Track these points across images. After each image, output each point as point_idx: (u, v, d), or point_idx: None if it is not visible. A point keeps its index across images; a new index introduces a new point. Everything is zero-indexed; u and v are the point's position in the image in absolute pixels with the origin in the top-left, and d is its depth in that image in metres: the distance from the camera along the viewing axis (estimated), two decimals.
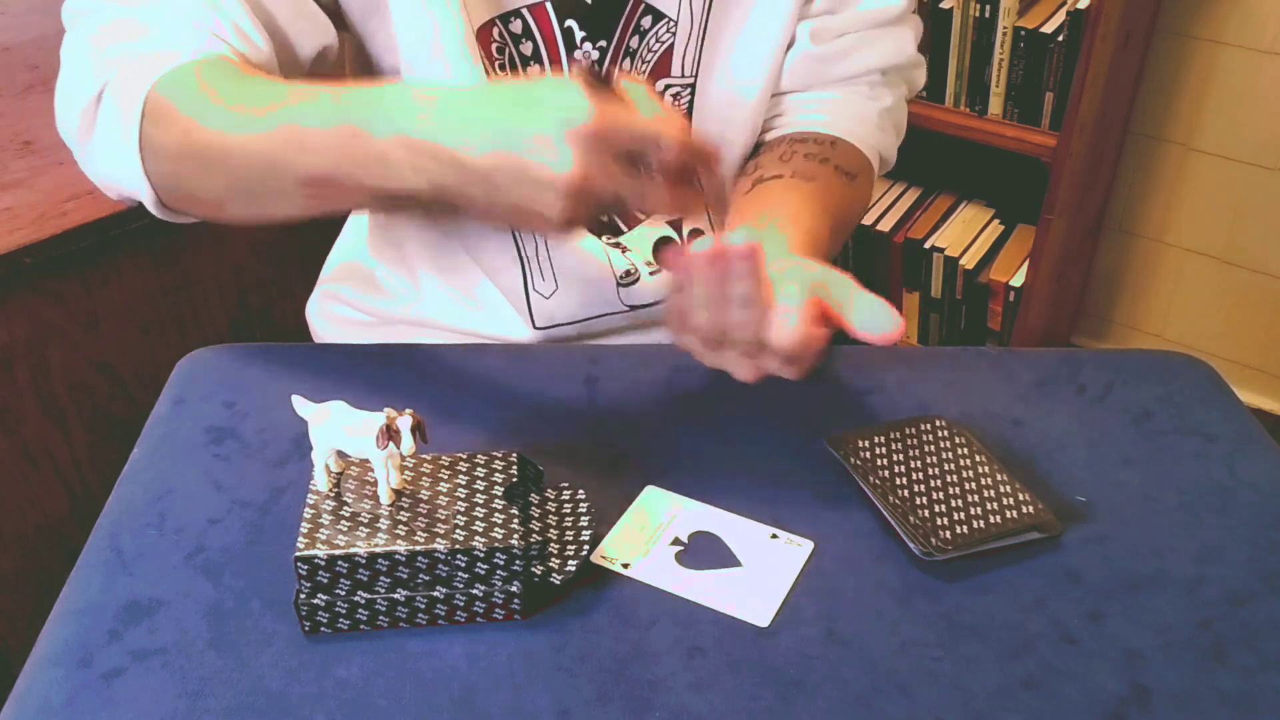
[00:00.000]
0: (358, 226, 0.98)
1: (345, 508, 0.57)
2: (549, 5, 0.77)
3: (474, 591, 0.56)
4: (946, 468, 0.65)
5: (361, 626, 0.57)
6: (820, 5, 0.84)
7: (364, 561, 0.55)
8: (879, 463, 0.66)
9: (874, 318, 0.61)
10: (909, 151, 0.96)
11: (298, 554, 0.55)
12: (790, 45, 0.84)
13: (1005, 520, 0.62)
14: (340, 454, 0.59)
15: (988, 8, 1.63)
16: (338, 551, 0.55)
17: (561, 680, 0.54)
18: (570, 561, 0.58)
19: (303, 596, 0.55)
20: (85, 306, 1.17)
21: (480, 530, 0.56)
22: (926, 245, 1.86)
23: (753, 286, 0.58)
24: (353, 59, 0.82)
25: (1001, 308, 1.83)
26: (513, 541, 0.56)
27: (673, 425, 0.70)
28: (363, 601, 0.56)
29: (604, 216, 0.86)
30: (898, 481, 0.64)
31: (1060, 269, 1.82)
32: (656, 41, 0.80)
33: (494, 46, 0.77)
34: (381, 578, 0.55)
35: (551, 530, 0.60)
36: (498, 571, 0.56)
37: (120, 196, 0.72)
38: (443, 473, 0.59)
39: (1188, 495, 0.66)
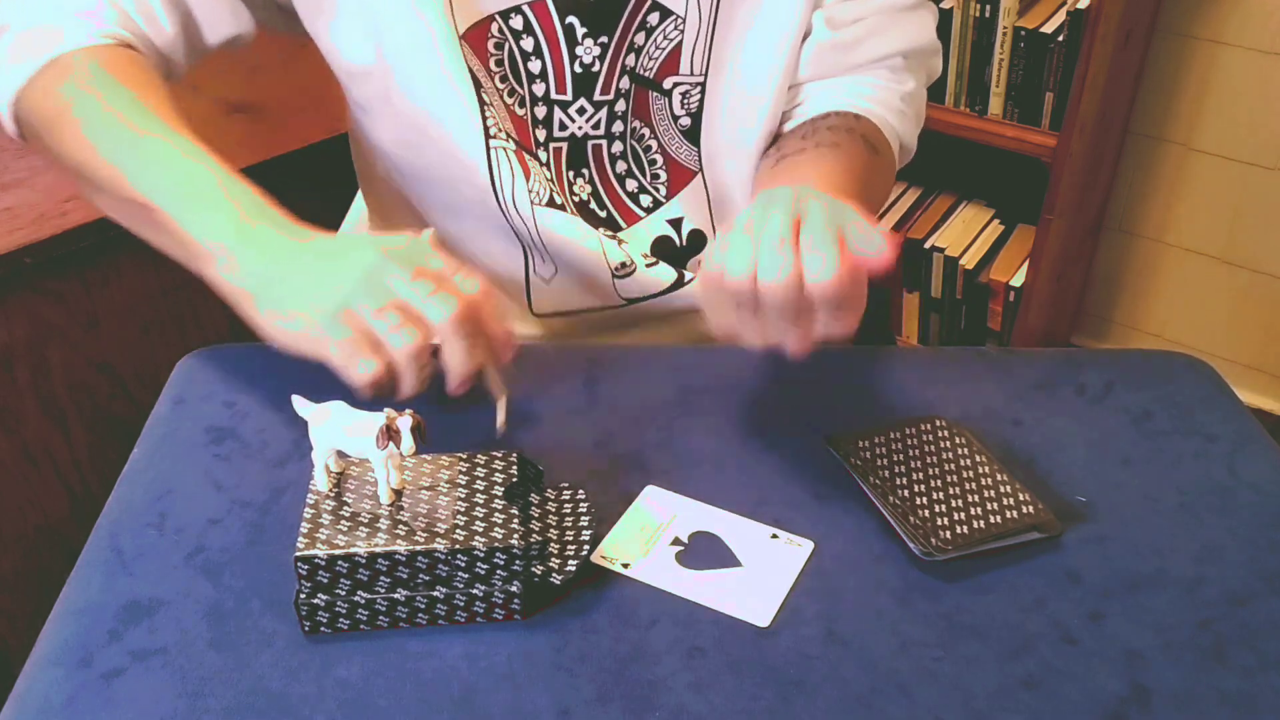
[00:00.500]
0: (355, 227, 0.98)
1: (345, 508, 0.57)
2: (550, 1, 0.76)
3: (474, 591, 0.56)
4: (946, 468, 0.65)
5: (361, 626, 0.57)
6: None
7: (364, 561, 0.55)
8: (879, 463, 0.66)
9: (863, 241, 0.59)
10: None
11: (298, 554, 0.55)
12: (806, 35, 0.83)
13: (1005, 520, 0.62)
14: (340, 454, 0.59)
15: (988, 8, 1.63)
16: (338, 551, 0.55)
17: (561, 680, 0.54)
18: (570, 561, 0.58)
19: (303, 596, 0.55)
20: (85, 306, 1.17)
21: (480, 530, 0.56)
22: (926, 245, 1.86)
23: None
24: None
25: (1001, 308, 1.83)
26: (513, 541, 0.56)
27: (673, 425, 0.70)
28: (363, 601, 0.56)
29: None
30: (898, 481, 0.64)
31: (1060, 269, 1.82)
32: (664, 39, 0.80)
33: (492, 43, 0.77)
34: (381, 578, 0.55)
35: (551, 530, 0.60)
36: (498, 571, 0.56)
37: None
38: (443, 473, 0.59)
39: (1188, 495, 0.66)
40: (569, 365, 0.75)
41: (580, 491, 0.62)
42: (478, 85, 0.77)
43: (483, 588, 0.56)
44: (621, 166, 0.85)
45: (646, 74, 0.81)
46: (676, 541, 0.62)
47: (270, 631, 0.56)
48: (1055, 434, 0.71)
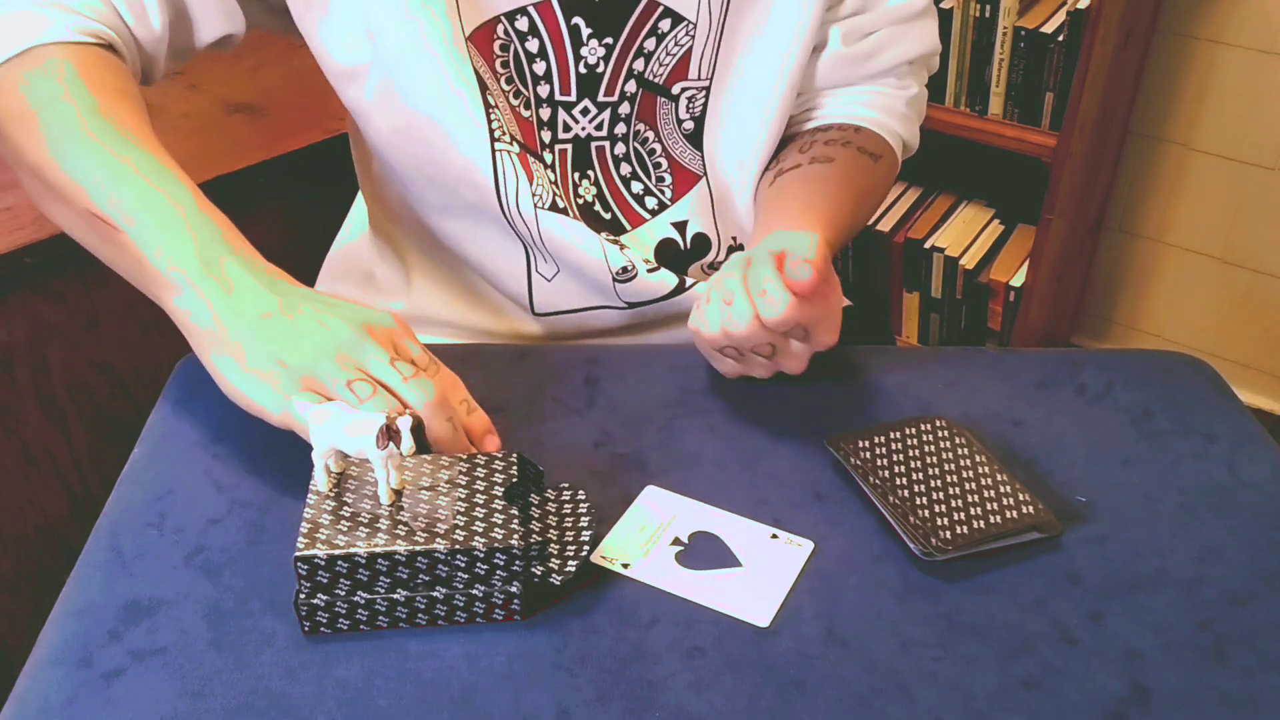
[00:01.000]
0: (355, 227, 0.98)
1: (345, 508, 0.57)
2: (555, 2, 0.76)
3: (474, 592, 0.56)
4: (946, 468, 0.65)
5: (361, 626, 0.57)
6: (849, 6, 0.85)
7: (364, 562, 0.55)
8: (879, 463, 0.66)
9: (792, 272, 0.66)
10: None
11: (298, 554, 0.55)
12: (820, 47, 0.86)
13: (1005, 520, 0.62)
14: (340, 454, 0.59)
15: (988, 8, 1.63)
16: (338, 552, 0.55)
17: (561, 680, 0.54)
18: (570, 562, 0.58)
19: (303, 596, 0.55)
20: (85, 306, 1.17)
21: (480, 531, 0.56)
22: (926, 245, 1.86)
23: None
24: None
25: (1001, 308, 1.83)
26: (513, 542, 0.56)
27: (673, 425, 0.70)
28: (362, 601, 0.56)
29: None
30: (898, 481, 0.64)
31: (1060, 269, 1.82)
32: (675, 45, 0.80)
33: (497, 44, 0.77)
34: (382, 578, 0.55)
35: (552, 530, 0.60)
36: (498, 572, 0.56)
37: None
38: (443, 473, 0.59)
39: (1188, 495, 0.66)
40: (569, 365, 0.75)
41: (580, 492, 0.62)
42: (483, 88, 0.77)
43: (483, 588, 0.56)
44: (626, 168, 0.85)
45: (657, 79, 0.82)
46: (676, 541, 0.62)
47: (270, 631, 0.56)
48: (1055, 434, 0.71)
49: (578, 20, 0.77)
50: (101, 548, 0.61)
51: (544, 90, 0.79)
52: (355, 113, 0.81)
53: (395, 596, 0.56)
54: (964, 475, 0.65)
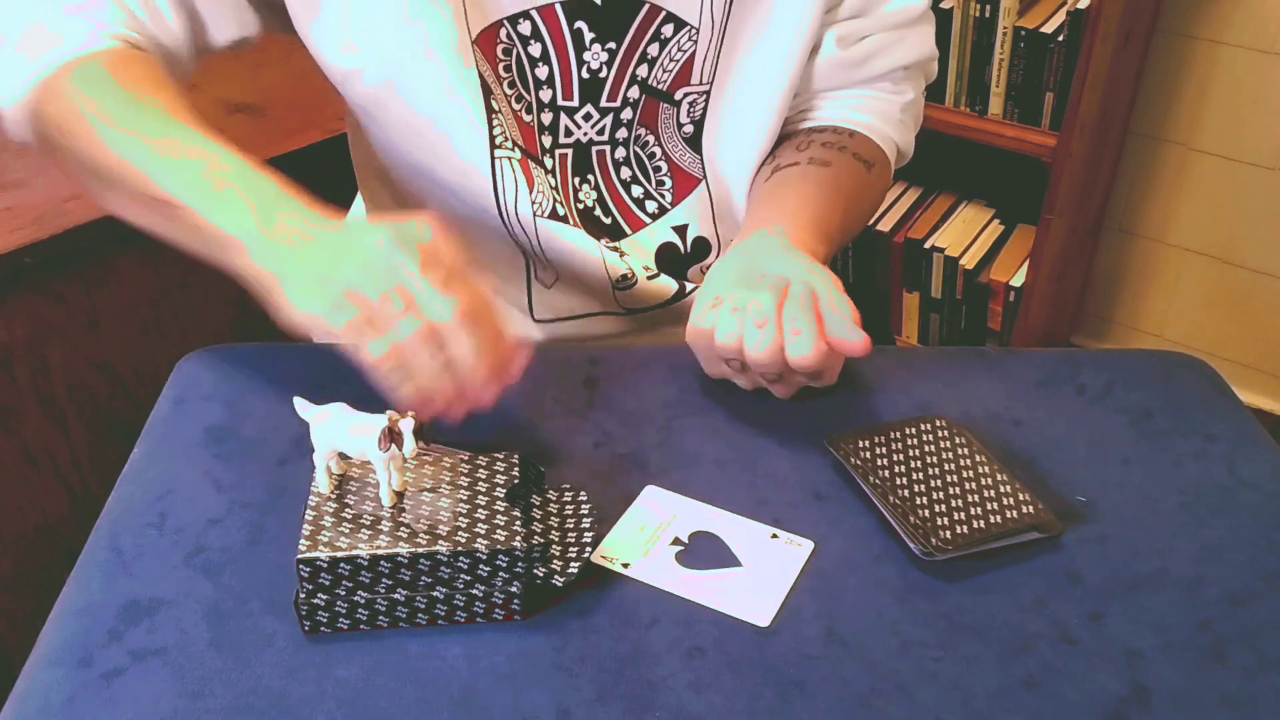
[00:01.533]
0: None
1: (347, 510, 0.57)
2: (558, 7, 0.76)
3: (474, 592, 0.56)
4: (946, 468, 0.65)
5: (361, 626, 0.57)
6: (847, 9, 0.85)
7: (366, 564, 0.55)
8: (879, 463, 0.66)
9: (842, 332, 0.67)
10: None
11: (300, 556, 0.55)
12: (816, 50, 0.85)
13: (1005, 520, 0.62)
14: (341, 456, 0.59)
15: (988, 8, 1.63)
16: (340, 554, 0.55)
17: (561, 680, 0.54)
18: (572, 563, 0.58)
19: (303, 596, 0.55)
20: (85, 306, 1.17)
21: (482, 533, 0.56)
22: (926, 245, 1.86)
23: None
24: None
25: (1001, 308, 1.83)
26: (515, 544, 0.56)
27: (673, 425, 0.70)
28: (363, 601, 0.56)
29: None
30: (898, 481, 0.64)
31: (1060, 269, 1.82)
32: (679, 50, 0.80)
33: (500, 48, 0.77)
34: (383, 580, 0.55)
35: (553, 532, 0.60)
36: (499, 573, 0.56)
37: None
38: (444, 475, 0.59)
39: (1188, 495, 0.66)
40: (569, 365, 0.75)
41: (582, 493, 0.62)
42: (487, 92, 0.76)
43: (483, 588, 0.56)
44: (626, 173, 0.85)
45: (660, 85, 0.81)
46: (676, 541, 0.62)
47: (270, 631, 0.56)
48: (1055, 434, 0.71)
49: (580, 24, 0.77)
50: (101, 548, 0.61)
51: (546, 95, 0.79)
52: (359, 113, 0.81)
53: (396, 597, 0.56)
54: (964, 475, 0.65)
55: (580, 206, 0.84)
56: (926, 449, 0.67)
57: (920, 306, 1.93)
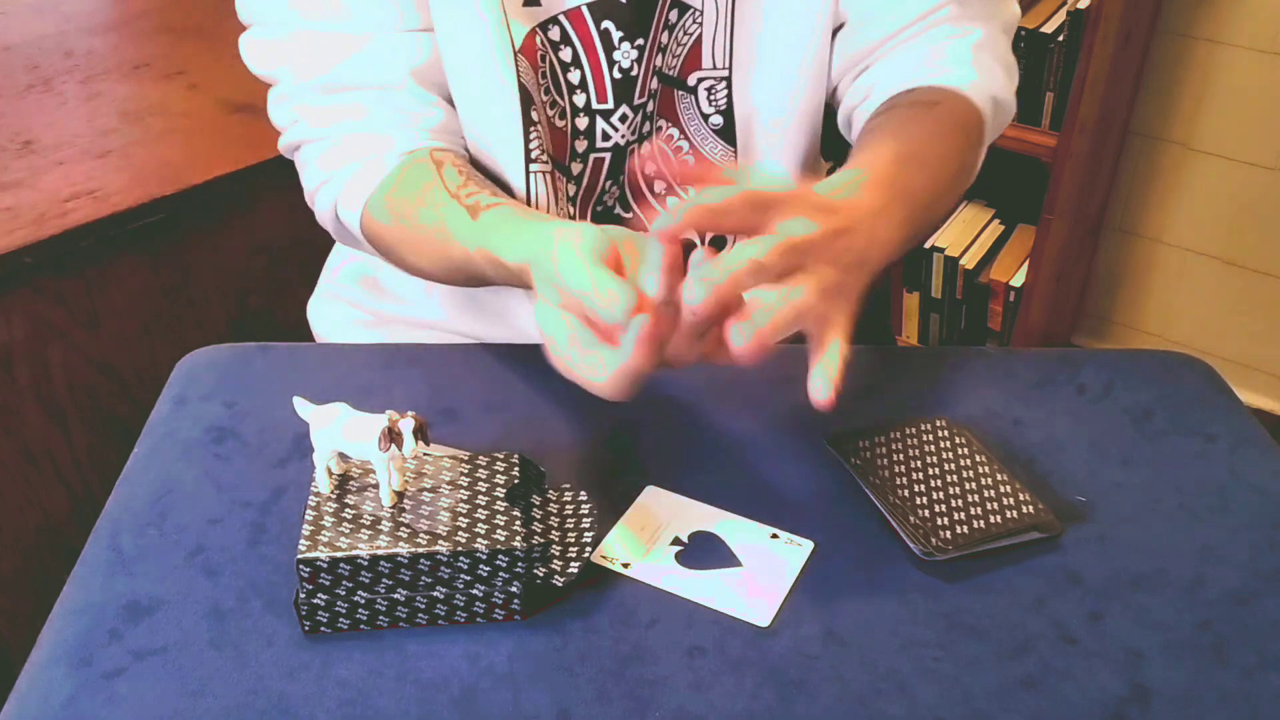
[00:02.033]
0: None
1: (347, 510, 0.57)
2: (585, 9, 0.75)
3: (475, 592, 0.56)
4: (947, 468, 0.65)
5: (361, 626, 0.57)
6: None
7: (366, 564, 0.55)
8: (879, 463, 0.66)
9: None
10: None
11: (300, 556, 0.55)
12: (838, 28, 0.80)
13: (1005, 520, 0.62)
14: (341, 456, 0.59)
15: None
16: (340, 554, 0.55)
17: (561, 680, 0.54)
18: (572, 563, 0.58)
19: (303, 596, 0.55)
20: (85, 306, 1.17)
21: (483, 533, 0.56)
22: (926, 245, 1.86)
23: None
24: None
25: (1001, 308, 1.83)
26: (515, 544, 0.56)
27: (673, 425, 0.70)
28: (363, 601, 0.56)
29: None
30: (898, 481, 0.64)
31: (1060, 269, 1.82)
32: (685, 34, 0.79)
33: (537, 55, 0.76)
34: (383, 579, 0.55)
35: (554, 532, 0.60)
36: (500, 573, 0.56)
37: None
38: (444, 475, 0.59)
39: (1188, 495, 0.66)
40: None
41: (582, 493, 0.62)
42: (526, 104, 0.76)
43: (484, 588, 0.56)
44: (650, 167, 0.83)
45: (671, 72, 0.80)
46: (676, 541, 0.62)
47: (270, 631, 0.56)
48: (1055, 434, 0.71)
49: (608, 25, 0.76)
50: (101, 548, 0.61)
51: (580, 99, 0.78)
52: None
53: (396, 596, 0.56)
54: (964, 475, 0.65)
55: (600, 208, 0.84)
56: (926, 449, 0.67)
57: (920, 306, 1.93)
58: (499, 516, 0.57)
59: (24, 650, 0.56)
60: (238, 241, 1.29)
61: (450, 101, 0.77)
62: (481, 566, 0.55)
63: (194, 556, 0.61)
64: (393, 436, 0.55)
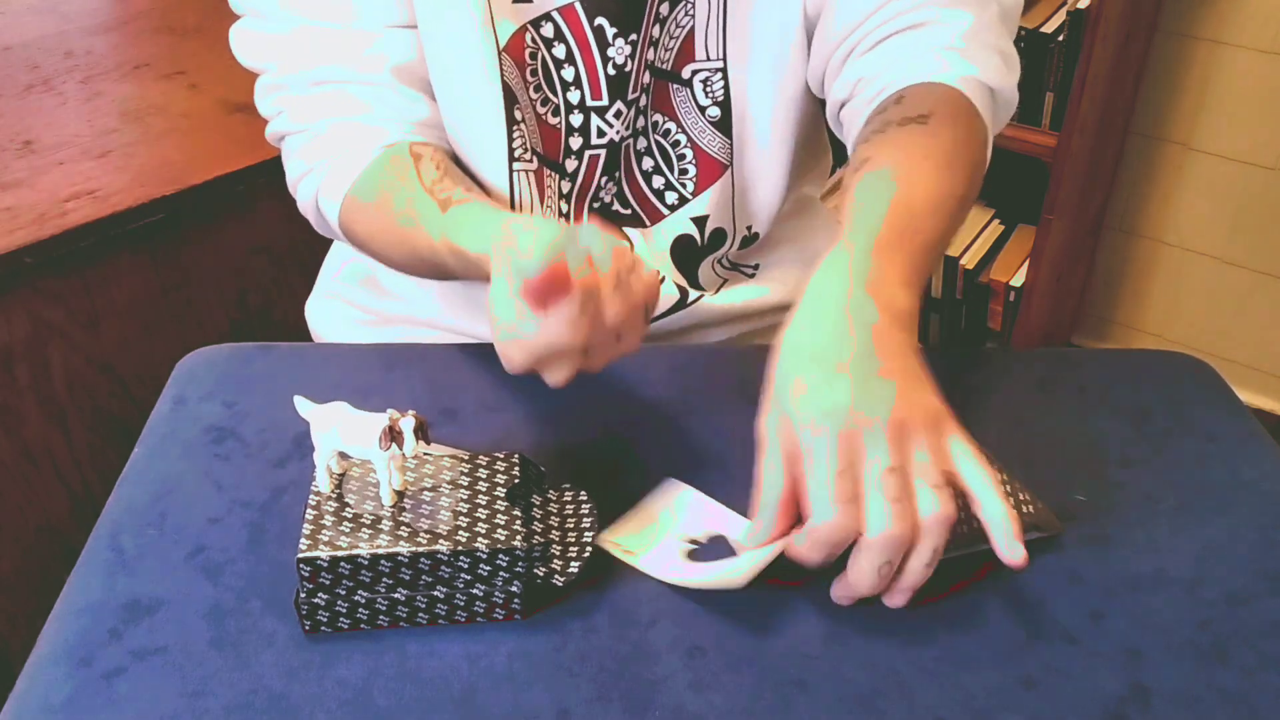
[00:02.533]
0: None
1: (347, 509, 0.57)
2: (577, 5, 0.75)
3: (475, 591, 0.56)
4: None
5: (362, 626, 0.57)
6: None
7: (367, 563, 0.55)
8: None
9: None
10: None
11: (300, 555, 0.55)
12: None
13: None
14: (342, 455, 0.59)
15: None
16: (340, 553, 0.55)
17: (561, 680, 0.54)
18: (573, 563, 0.58)
19: (303, 596, 0.55)
20: (85, 306, 1.17)
21: (483, 532, 0.56)
22: None
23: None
24: None
25: (1001, 308, 1.83)
26: (516, 543, 0.56)
27: (674, 425, 0.70)
28: (363, 601, 0.56)
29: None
30: None
31: (1060, 269, 1.82)
32: (677, 27, 0.79)
33: (526, 53, 0.76)
34: (384, 579, 0.55)
35: (554, 531, 0.60)
36: (500, 573, 0.56)
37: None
38: (445, 474, 0.59)
39: (1188, 495, 0.66)
40: None
41: (582, 493, 0.62)
42: (510, 103, 0.76)
43: (484, 588, 0.56)
44: (648, 163, 0.84)
45: (664, 65, 0.80)
46: (692, 541, 0.62)
47: (270, 631, 0.56)
48: (1055, 434, 0.71)
49: (601, 21, 0.76)
50: (101, 548, 0.61)
51: (574, 96, 0.78)
52: None
53: (396, 596, 0.56)
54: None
55: (596, 205, 0.84)
56: None
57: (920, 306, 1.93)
58: (499, 516, 0.57)
59: (24, 650, 0.56)
60: (238, 241, 1.29)
61: (434, 98, 0.77)
62: (482, 566, 0.55)
63: (194, 556, 0.61)
64: (393, 435, 0.55)
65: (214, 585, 0.59)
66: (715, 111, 0.82)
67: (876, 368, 0.57)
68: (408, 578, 0.56)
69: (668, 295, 0.85)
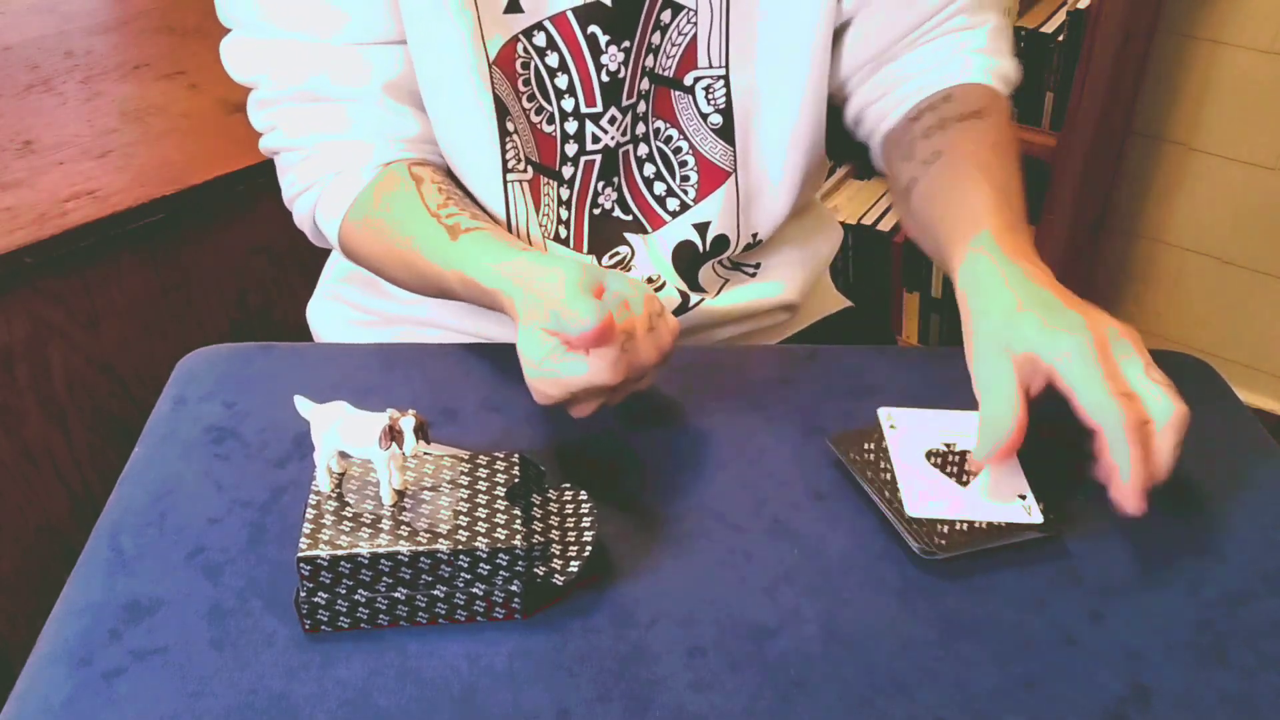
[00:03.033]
0: None
1: (347, 508, 0.57)
2: (569, 13, 0.75)
3: (475, 591, 0.56)
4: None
5: (362, 625, 0.57)
6: None
7: (367, 562, 0.55)
8: (881, 463, 0.66)
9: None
10: None
11: (300, 554, 0.55)
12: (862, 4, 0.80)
13: (1005, 520, 0.62)
14: (342, 454, 0.59)
15: None
16: (340, 552, 0.55)
17: (561, 680, 0.54)
18: (573, 562, 0.58)
19: (303, 595, 0.55)
20: (85, 306, 1.17)
21: (483, 531, 0.56)
22: None
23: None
24: None
25: None
26: (515, 542, 0.56)
27: (673, 425, 0.70)
28: (363, 600, 0.56)
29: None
30: (898, 481, 0.64)
31: (1060, 269, 1.81)
32: (679, 34, 0.79)
33: (519, 63, 0.76)
34: (384, 578, 0.56)
35: (554, 531, 0.60)
36: (500, 572, 0.56)
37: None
38: (445, 473, 0.59)
39: (1187, 495, 0.66)
40: None
41: (582, 492, 0.62)
42: (502, 114, 0.76)
43: (484, 587, 0.56)
44: (650, 169, 0.84)
45: (665, 73, 0.80)
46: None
47: (270, 631, 0.56)
48: (1055, 434, 0.70)
49: (594, 29, 0.76)
50: (101, 548, 0.61)
51: (568, 104, 0.78)
52: None
53: (396, 595, 0.56)
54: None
55: (597, 211, 0.84)
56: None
57: (920, 306, 1.93)
58: (499, 515, 0.57)
59: (24, 650, 0.56)
60: (238, 241, 1.29)
61: (425, 112, 0.77)
62: (482, 565, 0.55)
63: (194, 556, 0.61)
64: (393, 435, 0.55)
65: (214, 585, 0.59)
66: (717, 119, 0.82)
67: (1073, 301, 0.64)
68: (408, 577, 0.56)
69: (669, 299, 0.85)
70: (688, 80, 0.81)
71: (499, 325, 0.87)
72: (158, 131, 1.29)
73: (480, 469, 0.60)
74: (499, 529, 0.56)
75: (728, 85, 0.81)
